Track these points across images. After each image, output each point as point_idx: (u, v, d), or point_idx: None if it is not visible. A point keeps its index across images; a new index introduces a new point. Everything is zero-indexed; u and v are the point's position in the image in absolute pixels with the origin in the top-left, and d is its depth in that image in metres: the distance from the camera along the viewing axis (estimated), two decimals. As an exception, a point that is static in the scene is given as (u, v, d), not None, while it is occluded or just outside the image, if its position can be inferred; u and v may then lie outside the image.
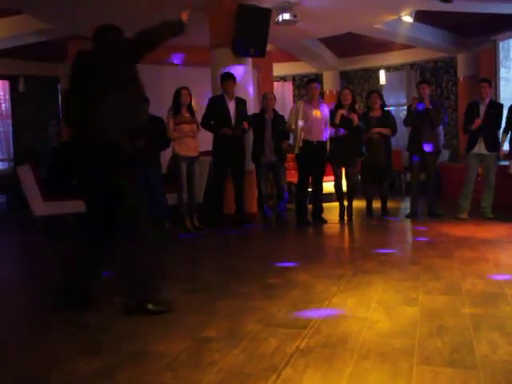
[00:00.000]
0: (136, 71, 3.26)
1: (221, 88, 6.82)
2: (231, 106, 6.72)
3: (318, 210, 6.90)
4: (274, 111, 6.90)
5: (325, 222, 6.82)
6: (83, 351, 2.58)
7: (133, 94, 3.27)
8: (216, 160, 6.84)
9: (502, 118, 6.68)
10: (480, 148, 6.63)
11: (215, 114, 6.70)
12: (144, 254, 3.19)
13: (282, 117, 6.92)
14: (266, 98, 6.90)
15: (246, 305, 3.24)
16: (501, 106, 6.81)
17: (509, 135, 6.73)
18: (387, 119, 7.03)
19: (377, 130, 6.91)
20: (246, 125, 6.67)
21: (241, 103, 6.83)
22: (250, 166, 6.98)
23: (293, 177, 7.57)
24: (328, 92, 12.56)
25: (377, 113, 7.06)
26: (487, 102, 6.66)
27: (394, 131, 7.07)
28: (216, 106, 6.70)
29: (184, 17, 3.46)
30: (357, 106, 7.49)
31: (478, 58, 11.04)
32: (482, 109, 6.64)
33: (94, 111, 3.10)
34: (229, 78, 6.76)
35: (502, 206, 6.95)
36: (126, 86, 3.21)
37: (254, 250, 5.67)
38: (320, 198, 6.95)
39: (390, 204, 7.42)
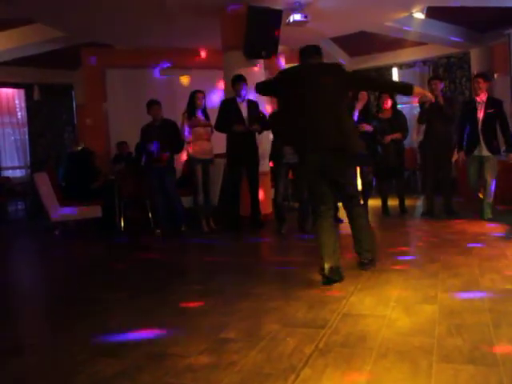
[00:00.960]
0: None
1: (233, 90, 6.81)
2: (243, 107, 6.69)
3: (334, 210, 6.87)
4: None
5: (340, 221, 6.80)
6: (101, 353, 2.61)
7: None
8: (230, 161, 6.75)
9: (503, 116, 6.30)
10: (481, 150, 6.34)
11: (228, 116, 6.61)
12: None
13: None
14: None
15: (263, 306, 3.25)
16: (500, 104, 6.39)
17: None
18: (397, 120, 6.99)
19: (389, 138, 6.89)
20: (257, 125, 6.59)
21: (252, 105, 6.78)
22: (265, 166, 6.89)
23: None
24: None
25: (387, 113, 7.02)
26: (484, 99, 6.29)
27: (406, 134, 7.05)
28: (228, 108, 6.66)
29: (417, 91, 4.08)
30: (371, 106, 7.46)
31: (492, 53, 10.93)
32: (480, 108, 6.28)
33: (333, 118, 3.86)
34: (241, 80, 6.73)
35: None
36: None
37: (268, 250, 5.68)
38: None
39: (406, 202, 7.39)
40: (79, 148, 8.55)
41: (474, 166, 6.47)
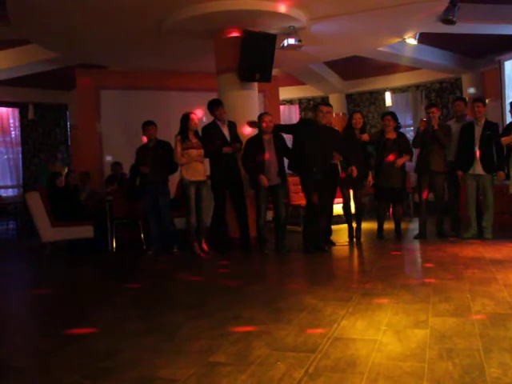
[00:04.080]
0: None
1: (212, 115, 6.76)
2: (225, 130, 6.72)
3: (327, 233, 6.86)
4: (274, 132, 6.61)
5: (333, 244, 6.79)
6: (89, 377, 2.57)
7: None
8: (214, 184, 6.71)
9: (498, 138, 6.59)
10: (476, 169, 6.59)
11: (214, 140, 6.60)
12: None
13: (280, 136, 6.69)
14: (264, 120, 6.54)
15: (254, 329, 3.22)
16: (496, 126, 6.71)
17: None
18: (402, 142, 7.02)
19: (400, 161, 6.90)
20: (237, 145, 6.65)
21: (232, 125, 6.81)
22: (250, 189, 6.79)
23: (301, 199, 7.53)
24: (334, 115, 12.61)
25: (392, 135, 7.05)
26: (482, 122, 6.61)
27: (412, 155, 7.10)
28: (212, 132, 6.65)
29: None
30: (367, 128, 7.49)
31: (483, 79, 11.09)
32: (478, 130, 6.59)
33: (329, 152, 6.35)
34: (221, 104, 6.76)
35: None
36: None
37: (260, 274, 5.65)
38: (329, 220, 6.92)
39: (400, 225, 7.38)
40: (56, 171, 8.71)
41: (470, 185, 6.71)
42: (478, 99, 7.03)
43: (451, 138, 6.81)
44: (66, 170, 10.16)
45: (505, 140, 6.47)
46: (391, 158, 6.86)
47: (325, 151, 6.29)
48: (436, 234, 7.00)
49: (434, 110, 6.91)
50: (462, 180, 6.79)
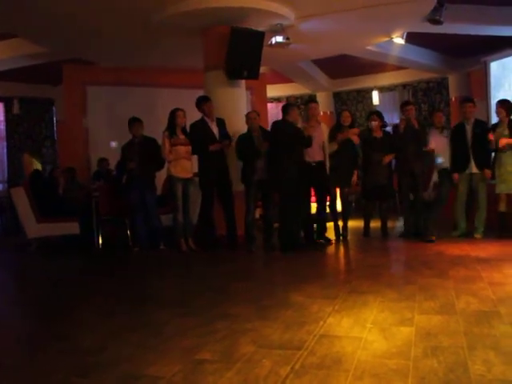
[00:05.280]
0: None
1: (200, 111, 6.73)
2: (214, 127, 6.70)
3: (322, 230, 6.89)
4: (262, 128, 6.75)
5: (329, 240, 6.81)
6: (76, 373, 2.55)
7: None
8: (202, 181, 6.69)
9: (487, 136, 6.57)
10: (471, 168, 6.65)
11: (202, 137, 6.59)
12: None
13: (268, 132, 6.75)
14: (250, 117, 6.70)
15: (240, 326, 3.22)
16: (485, 124, 6.81)
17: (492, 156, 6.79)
18: (389, 140, 7.06)
19: (387, 159, 6.95)
20: (226, 142, 6.64)
21: (221, 122, 6.79)
22: (238, 186, 6.82)
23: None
24: (321, 113, 12.65)
25: (378, 133, 7.09)
26: (472, 121, 6.68)
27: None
28: (200, 130, 6.64)
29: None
30: (355, 127, 7.55)
31: (469, 79, 11.18)
32: (468, 129, 6.66)
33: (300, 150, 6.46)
34: (208, 100, 6.75)
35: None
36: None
37: (247, 271, 5.65)
38: (324, 217, 6.93)
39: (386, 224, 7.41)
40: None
41: (463, 184, 6.75)
42: (469, 99, 7.10)
43: (428, 137, 6.87)
44: (40, 167, 10.10)
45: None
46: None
47: (295, 149, 6.35)
48: (413, 233, 6.97)
49: (410, 107, 7.00)
50: (457, 182, 6.81)
